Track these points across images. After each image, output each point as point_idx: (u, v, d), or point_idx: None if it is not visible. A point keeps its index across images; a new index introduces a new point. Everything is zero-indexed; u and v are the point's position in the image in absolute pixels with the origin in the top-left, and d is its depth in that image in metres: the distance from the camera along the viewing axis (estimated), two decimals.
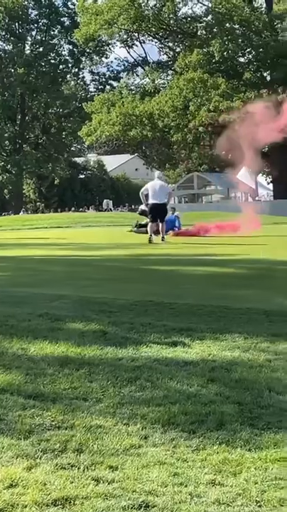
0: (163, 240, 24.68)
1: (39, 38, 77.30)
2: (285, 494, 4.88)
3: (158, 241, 24.46)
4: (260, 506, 4.73)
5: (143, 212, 27.23)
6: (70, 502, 4.75)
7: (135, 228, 28.96)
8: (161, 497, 4.83)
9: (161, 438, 5.93)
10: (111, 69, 76.88)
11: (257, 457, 5.54)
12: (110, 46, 70.12)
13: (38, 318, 10.39)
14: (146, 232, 26.64)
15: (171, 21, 60.03)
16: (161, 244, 23.84)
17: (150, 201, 24.93)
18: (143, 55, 67.62)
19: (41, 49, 76.07)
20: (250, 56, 58.04)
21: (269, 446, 5.74)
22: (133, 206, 70.11)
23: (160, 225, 25.05)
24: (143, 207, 26.54)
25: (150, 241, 24.38)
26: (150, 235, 24.75)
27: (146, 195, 25.30)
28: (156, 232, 24.92)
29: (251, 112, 28.64)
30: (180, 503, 4.74)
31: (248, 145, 27.38)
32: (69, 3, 76.06)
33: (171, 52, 64.39)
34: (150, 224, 25.15)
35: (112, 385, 7.25)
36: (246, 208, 32.21)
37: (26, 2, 75.05)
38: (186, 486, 5.01)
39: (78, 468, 5.30)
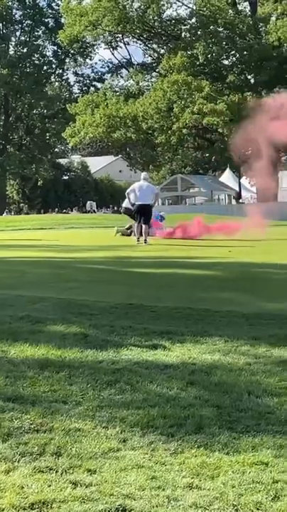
0: (145, 242, 24.69)
1: (23, 38, 77.17)
2: (262, 498, 4.91)
3: (140, 242, 24.56)
4: (237, 510, 4.75)
5: (126, 211, 27.14)
6: (47, 505, 4.76)
7: (119, 233, 28.92)
8: (138, 500, 4.84)
9: (140, 441, 5.94)
10: (95, 70, 76.93)
11: (235, 461, 5.56)
12: (94, 47, 70.14)
13: (19, 320, 10.38)
14: (129, 235, 26.74)
15: (156, 23, 60.09)
16: (144, 246, 23.85)
17: (136, 202, 25.01)
18: (128, 56, 67.73)
19: (25, 50, 75.93)
20: (234, 59, 58.17)
21: (247, 450, 5.76)
22: (116, 208, 70.14)
23: (144, 226, 25.05)
24: (125, 204, 26.43)
25: (138, 240, 24.59)
26: (138, 237, 24.90)
27: (132, 197, 25.44)
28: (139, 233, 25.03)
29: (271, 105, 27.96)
30: (157, 506, 4.76)
31: (267, 141, 26.87)
32: (53, 4, 76.07)
33: (155, 55, 64.47)
34: (135, 225, 25.22)
35: (92, 388, 7.27)
36: (252, 211, 32.00)
37: (10, 3, 74.97)
38: (163, 490, 5.02)
39: (56, 472, 5.31)
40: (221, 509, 4.75)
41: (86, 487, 5.04)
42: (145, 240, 24.76)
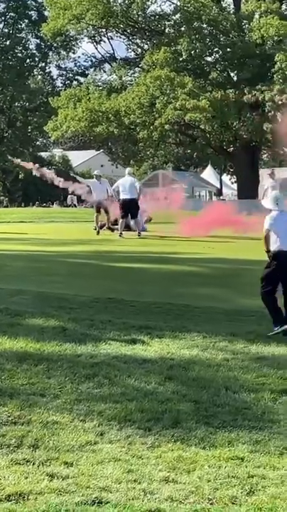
0: (139, 235, 24.80)
1: (6, 31, 76.80)
2: (238, 492, 4.96)
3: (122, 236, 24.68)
4: (212, 504, 4.80)
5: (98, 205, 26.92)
6: (24, 497, 4.78)
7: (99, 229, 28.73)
8: (115, 493, 4.88)
9: (117, 435, 5.98)
10: (78, 64, 76.55)
11: (211, 455, 5.61)
12: (78, 41, 69.84)
13: None
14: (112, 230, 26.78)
15: (139, 18, 59.86)
16: (128, 240, 23.82)
17: (121, 197, 25.08)
18: (111, 51, 67.47)
19: (8, 42, 75.59)
20: (217, 56, 58.11)
21: (223, 445, 5.82)
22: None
23: (133, 220, 25.26)
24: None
25: (121, 235, 24.49)
26: (121, 232, 24.81)
27: (117, 192, 25.47)
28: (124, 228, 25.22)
29: None
30: (133, 499, 4.79)
31: None
32: None
33: (139, 50, 64.31)
34: (120, 220, 25.32)
35: (70, 381, 7.29)
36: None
37: None
38: (140, 483, 5.06)
39: (33, 464, 5.33)
40: (196, 503, 4.79)
41: (63, 479, 5.07)
42: (138, 232, 24.90)
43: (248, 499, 4.86)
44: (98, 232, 25.85)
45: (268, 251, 10.70)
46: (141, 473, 5.23)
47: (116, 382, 7.31)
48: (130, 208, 25.01)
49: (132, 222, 25.63)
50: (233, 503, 4.81)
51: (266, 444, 5.85)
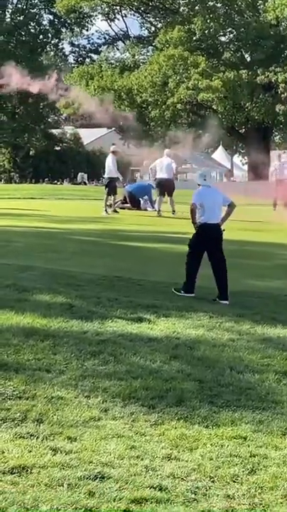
0: (173, 213, 25.37)
1: (20, 6, 76.50)
2: (239, 471, 4.99)
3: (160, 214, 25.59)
4: (213, 482, 4.83)
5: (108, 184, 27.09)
6: (27, 470, 4.82)
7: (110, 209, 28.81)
8: (117, 469, 4.91)
9: (121, 412, 6.02)
10: (91, 41, 76.40)
11: (214, 434, 5.64)
12: (91, 18, 69.60)
13: (5, 288, 10.40)
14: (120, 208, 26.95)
15: None
16: (137, 219, 23.87)
17: (158, 176, 25.99)
18: (125, 29, 67.27)
19: (21, 18, 75.31)
20: (231, 36, 57.88)
21: (226, 424, 5.85)
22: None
23: (169, 199, 25.99)
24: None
25: (159, 212, 25.38)
26: (159, 210, 25.61)
27: (155, 171, 26.40)
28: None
29: None
30: (135, 475, 4.83)
31: None
32: None
33: (152, 28, 64.08)
34: (158, 198, 26.13)
35: (76, 357, 7.32)
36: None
37: None
38: (142, 460, 5.09)
39: (37, 438, 5.37)
40: (198, 480, 4.83)
41: (66, 454, 5.11)
42: (173, 210, 25.45)
43: (249, 478, 4.90)
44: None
45: (194, 223, 11.43)
46: (144, 449, 5.26)
47: (122, 359, 7.34)
48: (166, 187, 25.81)
49: (170, 200, 26.09)
50: (234, 482, 4.84)
51: (268, 424, 5.88)
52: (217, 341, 8.27)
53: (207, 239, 11.31)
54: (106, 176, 26.96)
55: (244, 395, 6.56)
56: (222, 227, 11.41)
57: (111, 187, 26.39)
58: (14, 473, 4.78)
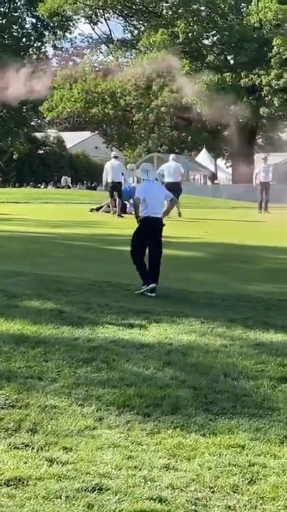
0: (179, 215, 26.34)
1: (2, 9, 76.22)
2: (239, 481, 4.91)
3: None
4: (213, 492, 4.75)
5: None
6: (23, 482, 4.72)
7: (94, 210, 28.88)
8: (115, 480, 4.82)
9: (116, 420, 5.92)
10: (74, 45, 76.32)
11: (211, 443, 5.56)
12: (74, 22, 69.51)
13: None
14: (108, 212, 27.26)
15: (137, 0, 59.79)
16: (124, 223, 23.78)
17: (165, 180, 26.77)
18: (108, 32, 67.21)
19: (4, 21, 75.08)
20: (214, 39, 57.93)
21: (223, 432, 5.76)
22: (90, 184, 69.60)
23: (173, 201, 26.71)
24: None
25: (179, 214, 26.43)
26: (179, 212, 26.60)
27: (162, 175, 27.13)
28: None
29: None
30: (133, 486, 4.74)
31: None
32: None
33: (136, 31, 64.07)
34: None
35: (68, 365, 7.23)
36: None
37: None
38: (140, 470, 5.00)
39: (32, 449, 5.27)
40: (197, 491, 4.74)
41: (62, 465, 5.01)
42: (179, 213, 26.48)
43: (249, 488, 4.81)
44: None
45: (137, 216, 11.88)
46: (141, 459, 5.17)
47: (114, 366, 7.25)
48: (173, 190, 25.99)
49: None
50: (234, 492, 4.75)
51: (266, 432, 5.80)
52: (210, 347, 8.19)
53: (149, 231, 11.73)
54: (110, 180, 27.25)
55: (239, 402, 6.48)
56: (163, 222, 11.98)
57: (119, 190, 27.03)
58: (10, 485, 4.68)
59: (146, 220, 11.71)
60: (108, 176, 27.39)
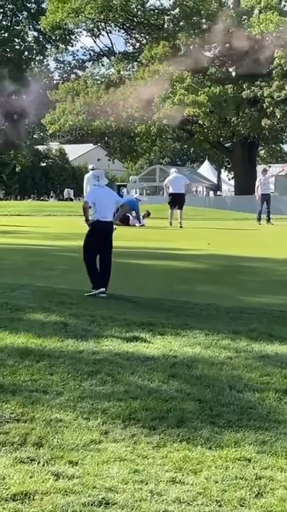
0: (181, 226, 27.59)
1: (4, 23, 76.49)
2: (246, 494, 4.88)
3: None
4: (220, 506, 4.72)
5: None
6: (30, 497, 4.70)
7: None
8: (122, 494, 4.80)
9: (122, 434, 5.90)
10: (76, 58, 76.41)
11: (218, 456, 5.53)
12: (76, 35, 69.65)
13: None
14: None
15: (139, 12, 59.80)
16: (127, 235, 23.76)
17: (171, 191, 29.11)
18: (110, 45, 67.34)
19: (6, 35, 75.29)
20: (216, 51, 58.01)
21: (230, 445, 5.74)
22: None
23: (179, 211, 28.56)
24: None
25: (170, 224, 28.24)
26: (171, 221, 28.44)
27: (168, 187, 29.59)
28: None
29: None
30: (140, 500, 4.71)
31: None
32: None
33: (137, 44, 64.15)
34: (169, 211, 28.92)
35: (73, 378, 7.21)
36: None
37: None
38: (147, 484, 4.98)
39: (38, 463, 5.25)
40: (204, 505, 4.72)
41: (68, 479, 4.99)
42: (180, 223, 27.88)
43: (257, 501, 4.79)
44: None
45: (87, 220, 12.28)
46: (148, 473, 5.15)
47: (119, 379, 7.23)
48: (178, 200, 28.69)
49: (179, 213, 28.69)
50: (242, 506, 4.73)
51: (272, 444, 5.78)
52: (215, 359, 8.17)
53: (99, 235, 12.15)
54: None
55: (245, 414, 6.46)
56: (114, 227, 12.52)
57: None
58: (16, 500, 4.66)
59: (96, 224, 12.14)
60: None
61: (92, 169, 29.01)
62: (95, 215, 12.24)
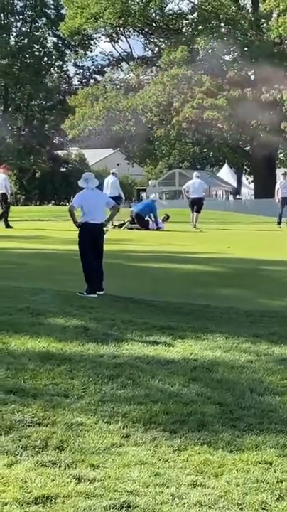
0: (194, 227, 28.96)
1: (24, 29, 76.79)
2: (267, 498, 4.88)
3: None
4: (242, 509, 4.72)
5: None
6: (51, 500, 4.72)
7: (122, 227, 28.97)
8: (143, 497, 4.80)
9: (142, 437, 5.91)
10: (95, 63, 76.58)
11: (239, 459, 5.53)
12: (95, 40, 69.84)
13: (19, 312, 10.32)
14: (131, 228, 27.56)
15: (157, 17, 59.89)
16: (145, 239, 23.86)
17: (191, 196, 29.95)
18: (128, 50, 67.45)
19: (26, 41, 75.58)
20: (235, 55, 57.97)
21: (251, 449, 5.74)
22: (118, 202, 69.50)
23: (195, 214, 29.76)
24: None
25: (195, 226, 29.19)
26: (195, 223, 29.35)
27: (187, 191, 30.38)
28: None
29: None
30: (161, 504, 4.72)
31: None
32: None
33: (156, 48, 64.23)
34: (191, 214, 29.96)
35: (93, 382, 7.23)
36: None
37: None
38: (168, 487, 4.99)
39: (59, 466, 5.27)
40: (226, 508, 4.72)
41: (90, 482, 5.00)
42: (194, 225, 29.22)
43: (278, 505, 4.78)
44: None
45: (75, 222, 12.66)
46: (169, 476, 5.16)
47: (140, 383, 7.24)
48: (197, 204, 29.77)
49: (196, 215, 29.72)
50: (263, 509, 4.73)
51: None
52: (235, 363, 8.16)
53: (89, 237, 12.42)
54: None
55: (266, 417, 6.45)
56: (105, 228, 12.85)
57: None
58: (38, 503, 4.68)
59: (84, 226, 12.46)
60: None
61: (113, 173, 29.73)
62: (83, 218, 12.54)
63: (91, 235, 12.46)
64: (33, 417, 6.21)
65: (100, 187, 13.67)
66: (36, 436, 5.80)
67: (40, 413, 6.30)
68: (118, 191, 28.42)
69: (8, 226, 27.19)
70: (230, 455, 5.59)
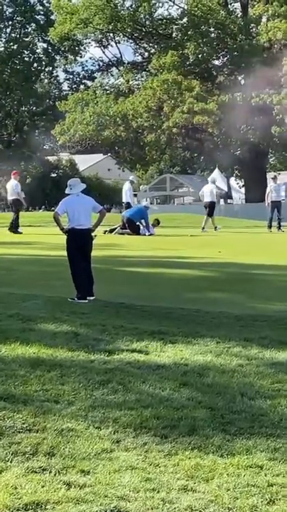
0: (203, 229, 30.57)
1: (13, 35, 76.79)
2: (258, 501, 4.87)
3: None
4: None
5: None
6: (42, 507, 4.71)
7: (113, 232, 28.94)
8: (133, 502, 4.80)
9: (133, 442, 5.90)
10: (85, 68, 76.58)
11: (229, 463, 5.53)
12: (85, 46, 69.82)
13: (9, 318, 10.31)
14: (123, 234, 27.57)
15: (147, 22, 59.90)
16: (136, 244, 23.85)
17: (206, 200, 31.76)
18: (118, 55, 67.47)
19: (15, 46, 75.58)
20: (224, 59, 58.07)
21: (241, 453, 5.73)
22: (104, 206, 69.57)
23: (205, 217, 31.42)
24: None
25: (216, 228, 31.05)
26: (215, 226, 31.16)
27: (202, 196, 32.40)
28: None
29: None
30: (152, 509, 4.72)
31: None
32: (44, 1, 75.62)
33: (146, 54, 64.27)
34: (205, 217, 31.49)
35: (84, 387, 7.22)
36: None
37: None
38: (158, 492, 4.98)
39: (49, 472, 5.26)
40: None
41: (80, 488, 4.99)
42: (203, 228, 30.78)
43: (269, 508, 4.78)
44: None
45: (61, 229, 12.76)
46: (159, 481, 5.15)
47: (131, 388, 7.23)
48: (210, 207, 31.66)
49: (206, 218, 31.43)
50: None
51: (284, 451, 5.77)
52: (226, 367, 8.17)
53: (76, 242, 12.51)
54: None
55: (256, 421, 6.45)
56: (93, 234, 12.85)
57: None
58: (28, 509, 4.67)
59: (71, 232, 12.54)
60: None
61: (130, 181, 32.39)
62: (70, 224, 12.59)
63: (78, 241, 12.52)
64: (24, 423, 6.19)
65: (87, 191, 13.53)
66: (26, 442, 5.79)
67: (30, 419, 6.29)
68: (127, 198, 31.05)
69: (16, 232, 27.71)
70: (221, 459, 5.59)
